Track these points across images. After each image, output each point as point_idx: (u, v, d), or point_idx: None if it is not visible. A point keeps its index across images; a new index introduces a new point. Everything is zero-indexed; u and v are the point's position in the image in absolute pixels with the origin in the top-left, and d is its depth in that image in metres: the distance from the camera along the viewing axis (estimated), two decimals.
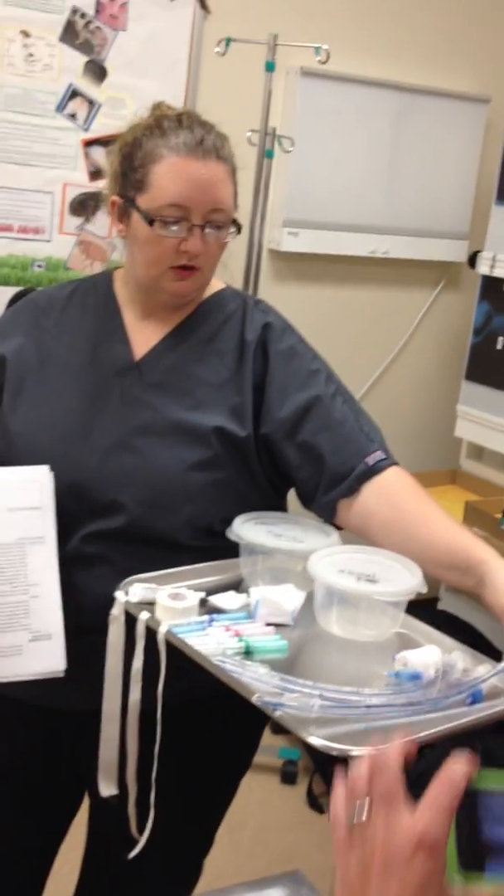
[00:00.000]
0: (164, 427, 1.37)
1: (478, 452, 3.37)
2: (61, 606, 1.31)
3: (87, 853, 1.59)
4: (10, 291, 2.62)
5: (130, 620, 1.27)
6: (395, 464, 1.40)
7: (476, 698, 1.12)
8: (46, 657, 1.27)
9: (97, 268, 2.79)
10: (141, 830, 1.31)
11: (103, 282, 1.49)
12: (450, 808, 0.62)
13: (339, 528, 1.43)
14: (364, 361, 3.34)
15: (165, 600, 1.25)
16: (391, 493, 1.36)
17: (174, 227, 1.32)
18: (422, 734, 1.03)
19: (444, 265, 3.41)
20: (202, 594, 1.29)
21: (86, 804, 1.57)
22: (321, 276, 3.22)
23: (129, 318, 1.44)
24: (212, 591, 1.32)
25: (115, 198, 1.39)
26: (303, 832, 2.60)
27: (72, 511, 1.36)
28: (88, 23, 2.61)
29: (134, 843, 1.32)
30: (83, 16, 2.60)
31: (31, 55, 2.57)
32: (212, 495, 1.37)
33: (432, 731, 1.04)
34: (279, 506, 1.49)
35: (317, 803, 2.70)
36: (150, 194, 1.33)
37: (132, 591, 1.29)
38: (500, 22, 3.28)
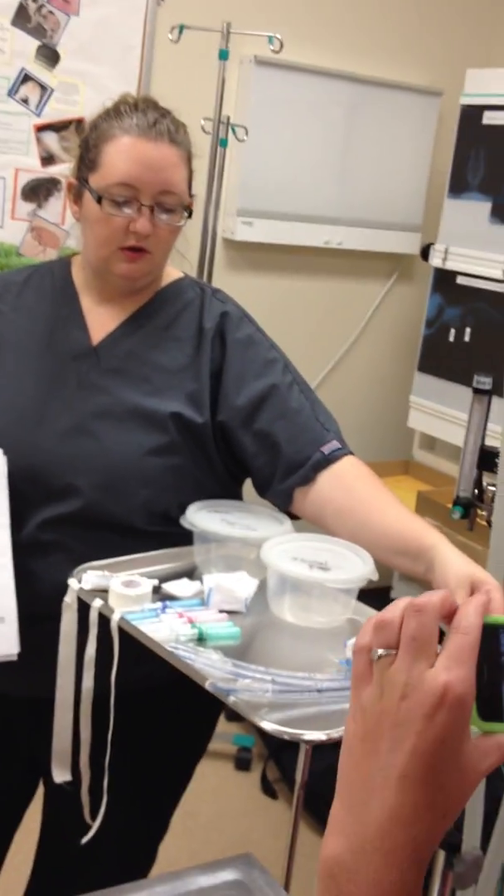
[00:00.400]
0: (121, 412, 1.37)
1: (430, 443, 3.41)
2: (14, 591, 1.30)
3: (42, 840, 1.59)
4: None
5: (84, 608, 1.27)
6: (351, 453, 1.42)
7: None
8: None
9: (50, 254, 2.76)
10: (94, 817, 1.31)
11: (61, 267, 1.49)
12: (472, 660, 0.57)
13: (294, 516, 1.44)
14: (318, 352, 3.36)
15: (119, 587, 1.25)
16: (346, 481, 1.37)
17: (123, 207, 1.33)
18: None
19: (397, 257, 3.43)
20: (155, 581, 1.29)
21: (40, 791, 1.57)
22: (275, 266, 3.23)
23: (87, 303, 1.44)
24: (165, 578, 1.33)
25: (71, 179, 1.39)
26: (257, 818, 2.62)
27: (27, 496, 1.35)
28: (41, 7, 2.58)
29: (88, 829, 1.33)
30: (35, 0, 2.57)
31: None
32: (168, 481, 1.38)
33: None
34: (236, 494, 1.50)
35: (271, 789, 2.72)
36: (101, 173, 1.33)
37: (85, 579, 1.29)
38: (452, 16, 3.31)
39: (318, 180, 3.15)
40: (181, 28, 2.53)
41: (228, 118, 2.68)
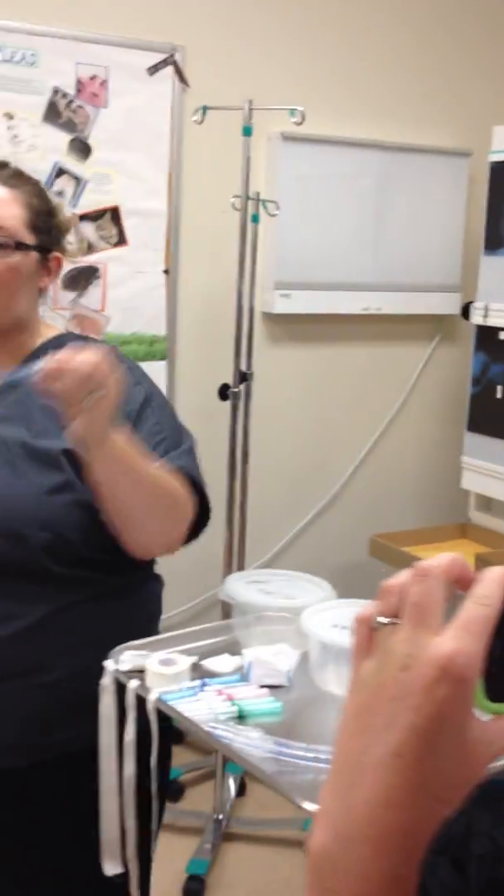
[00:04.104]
0: (12, 455, 1.35)
1: (486, 503, 3.33)
2: None
3: None
4: None
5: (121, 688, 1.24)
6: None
7: None
8: None
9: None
10: None
11: None
12: (485, 634, 0.51)
13: None
14: (365, 419, 3.33)
15: (156, 666, 1.22)
16: None
17: None
18: None
19: (438, 318, 3.41)
20: (194, 658, 1.26)
21: None
22: (316, 337, 3.23)
23: None
24: (205, 654, 1.29)
25: None
26: None
27: None
28: (70, 102, 2.66)
29: None
30: (64, 95, 2.65)
31: (15, 136, 2.62)
32: (70, 518, 1.33)
33: None
34: None
35: None
36: None
37: (122, 659, 1.26)
38: (475, 75, 3.34)
39: (354, 248, 3.16)
40: (204, 109, 2.58)
41: (258, 194, 2.71)
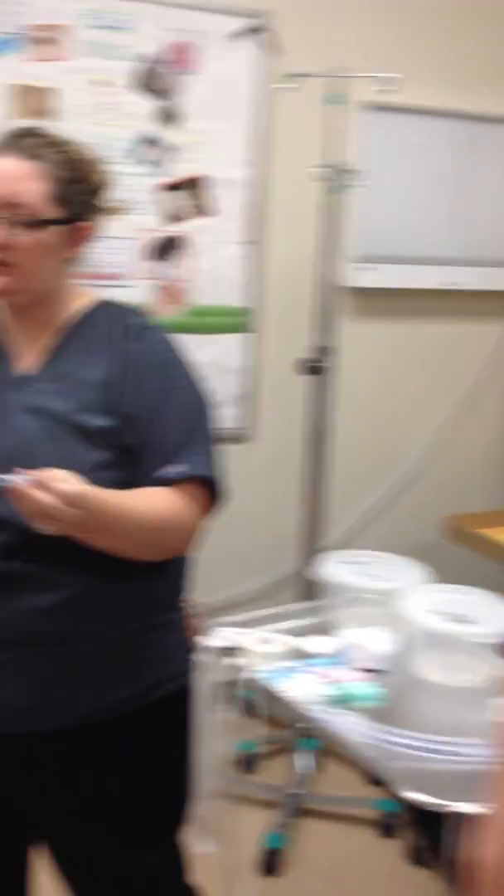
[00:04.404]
0: (60, 432, 1.34)
1: None
2: None
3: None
4: None
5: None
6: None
7: None
8: None
9: (175, 312, 2.79)
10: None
11: None
12: None
13: None
14: (441, 395, 3.27)
15: (252, 645, 1.21)
16: None
17: None
18: None
19: None
20: (290, 638, 1.25)
21: None
22: (394, 311, 3.17)
23: (15, 336, 1.44)
24: (301, 634, 1.28)
25: None
26: (402, 886, 2.50)
27: None
28: (159, 69, 2.64)
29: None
30: (153, 62, 2.63)
31: (103, 104, 2.61)
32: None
33: None
34: None
35: (417, 856, 2.59)
36: None
37: (218, 636, 1.25)
38: None
39: (434, 221, 3.09)
40: (294, 76, 2.53)
41: (346, 164, 2.66)
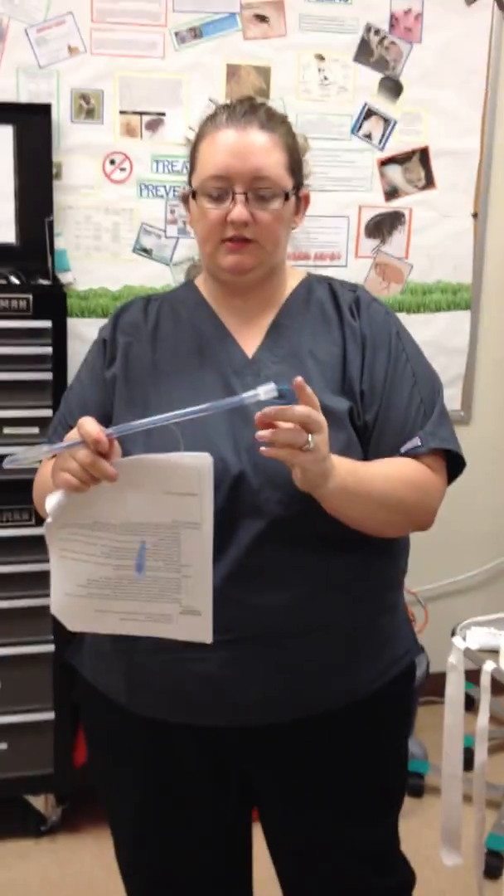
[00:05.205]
0: None
1: None
2: (212, 589, 1.22)
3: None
4: None
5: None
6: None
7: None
8: (194, 629, 1.23)
9: (394, 290, 2.71)
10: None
11: (189, 291, 1.45)
12: None
13: None
14: None
15: None
16: None
17: (219, 200, 1.30)
18: None
19: None
20: None
21: None
22: None
23: (226, 317, 1.39)
24: None
25: (183, 190, 1.39)
26: None
27: (230, 514, 1.27)
28: (382, 39, 2.55)
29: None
30: (377, 32, 2.54)
31: (325, 79, 2.54)
32: None
33: None
34: None
35: None
36: (197, 172, 1.34)
37: (471, 637, 1.17)
38: None
39: None
40: None
41: None
